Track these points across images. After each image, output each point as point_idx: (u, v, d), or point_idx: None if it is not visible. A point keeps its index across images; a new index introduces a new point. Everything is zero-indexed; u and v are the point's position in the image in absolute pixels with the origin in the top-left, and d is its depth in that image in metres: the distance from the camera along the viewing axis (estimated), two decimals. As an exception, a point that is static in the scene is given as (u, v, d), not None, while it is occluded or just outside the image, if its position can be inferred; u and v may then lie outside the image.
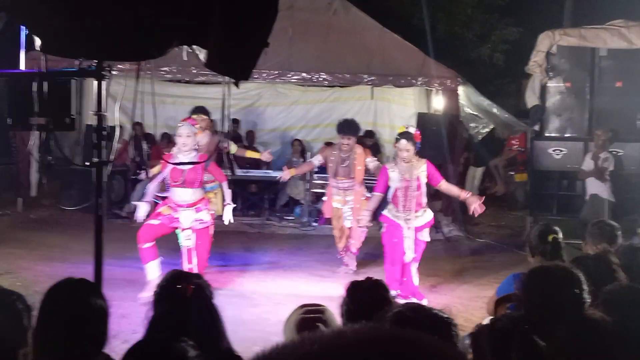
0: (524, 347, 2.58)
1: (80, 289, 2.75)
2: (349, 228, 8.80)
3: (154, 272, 7.10)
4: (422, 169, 7.21)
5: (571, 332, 2.66)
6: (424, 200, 7.36)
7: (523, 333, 2.64)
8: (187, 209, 7.33)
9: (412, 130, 7.38)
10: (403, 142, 7.11)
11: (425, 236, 7.37)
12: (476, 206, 7.16)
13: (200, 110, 8.64)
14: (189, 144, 7.20)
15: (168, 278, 3.00)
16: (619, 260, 4.11)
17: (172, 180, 7.36)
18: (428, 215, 7.37)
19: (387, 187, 7.43)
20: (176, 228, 7.40)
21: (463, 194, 7.46)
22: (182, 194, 7.32)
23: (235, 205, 7.97)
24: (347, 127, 8.60)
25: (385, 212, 7.44)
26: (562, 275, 3.11)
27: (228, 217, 7.81)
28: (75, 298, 2.67)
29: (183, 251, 7.37)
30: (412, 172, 7.15)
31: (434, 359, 0.66)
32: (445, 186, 7.52)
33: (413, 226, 7.21)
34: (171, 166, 7.26)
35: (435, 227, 11.38)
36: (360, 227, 8.32)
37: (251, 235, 11.09)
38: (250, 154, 9.99)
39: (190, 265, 7.33)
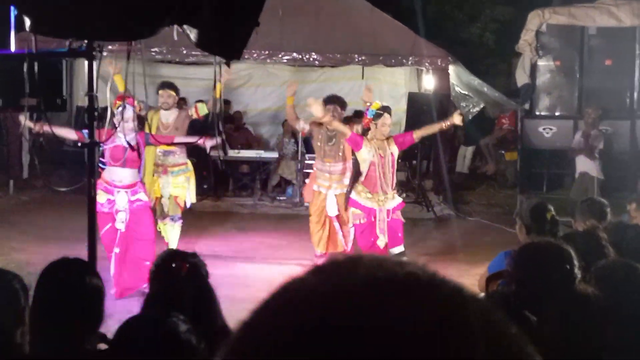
0: (516, 323, 2.61)
1: (75, 268, 2.77)
2: (337, 217, 7.94)
3: None
4: (392, 144, 7.10)
5: (562, 308, 2.70)
6: (394, 182, 7.19)
7: (514, 309, 2.67)
8: (122, 190, 6.86)
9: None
10: (387, 116, 7.02)
11: (400, 216, 7.18)
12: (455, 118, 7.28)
13: (167, 85, 8.35)
14: (131, 127, 6.62)
15: (164, 257, 3.02)
16: (608, 236, 4.15)
17: (112, 159, 6.82)
18: (398, 199, 7.25)
19: (350, 141, 7.18)
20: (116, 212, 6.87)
21: (443, 123, 7.47)
22: (120, 174, 6.83)
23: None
24: (329, 97, 8.32)
25: (354, 196, 7.10)
26: (553, 251, 3.13)
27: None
28: (71, 277, 2.68)
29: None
30: (386, 149, 7.04)
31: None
32: (420, 132, 7.38)
33: (386, 208, 6.99)
34: (111, 144, 6.62)
35: (426, 205, 11.51)
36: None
37: (243, 215, 11.09)
38: (217, 93, 9.18)
39: (116, 249, 6.83)
